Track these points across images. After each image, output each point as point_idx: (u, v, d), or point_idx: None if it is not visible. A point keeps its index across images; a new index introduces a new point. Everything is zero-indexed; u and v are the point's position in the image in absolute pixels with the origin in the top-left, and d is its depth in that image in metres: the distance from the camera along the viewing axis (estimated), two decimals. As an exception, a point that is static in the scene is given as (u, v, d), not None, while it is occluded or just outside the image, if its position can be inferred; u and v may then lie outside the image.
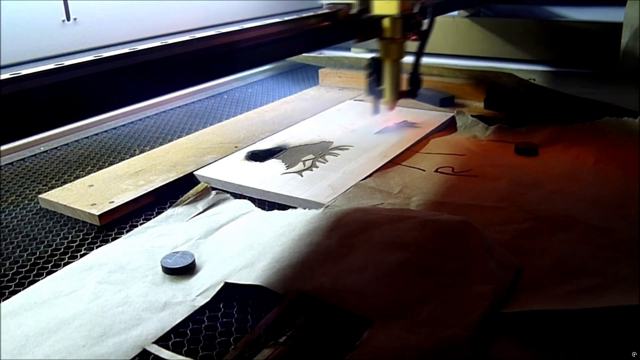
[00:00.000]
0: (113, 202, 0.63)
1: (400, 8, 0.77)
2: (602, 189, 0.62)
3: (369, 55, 0.82)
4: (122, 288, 0.48)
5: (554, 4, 1.32)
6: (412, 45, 0.82)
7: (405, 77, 0.83)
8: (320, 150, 0.76)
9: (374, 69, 0.82)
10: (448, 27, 1.32)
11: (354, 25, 0.78)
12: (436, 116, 0.88)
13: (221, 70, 0.63)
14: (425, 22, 0.79)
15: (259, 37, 0.66)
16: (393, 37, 0.79)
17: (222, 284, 0.48)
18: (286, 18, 0.70)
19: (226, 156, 0.76)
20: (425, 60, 1.20)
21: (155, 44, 0.53)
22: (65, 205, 0.63)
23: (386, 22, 0.78)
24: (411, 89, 0.83)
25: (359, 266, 0.48)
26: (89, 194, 0.65)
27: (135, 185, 0.67)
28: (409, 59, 0.82)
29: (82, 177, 0.72)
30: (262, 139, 0.82)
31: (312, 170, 0.70)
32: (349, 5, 0.78)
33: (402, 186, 0.65)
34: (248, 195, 0.66)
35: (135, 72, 0.51)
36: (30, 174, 0.76)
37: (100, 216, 0.60)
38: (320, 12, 0.76)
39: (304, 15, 0.74)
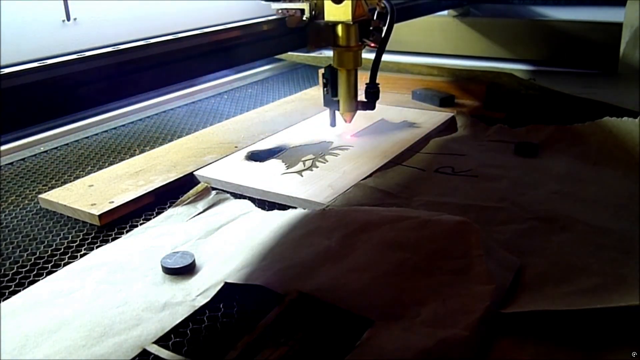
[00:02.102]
0: (113, 202, 0.63)
1: (354, 14, 0.71)
2: (602, 189, 0.62)
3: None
4: (122, 288, 0.48)
5: (554, 4, 1.32)
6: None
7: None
8: (320, 150, 0.76)
9: (329, 78, 0.77)
10: (448, 27, 1.33)
11: (305, 33, 0.74)
12: (436, 116, 0.88)
13: (156, 80, 0.61)
14: (385, 27, 0.74)
15: (201, 46, 0.63)
16: (347, 45, 0.74)
17: (222, 284, 0.48)
18: (233, 24, 0.67)
19: (226, 156, 0.76)
20: (425, 60, 1.21)
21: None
22: (65, 205, 0.63)
23: (340, 29, 0.73)
24: (368, 100, 0.78)
25: (359, 266, 0.48)
26: (89, 194, 0.65)
27: (135, 185, 0.67)
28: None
29: (82, 177, 0.72)
30: (262, 139, 0.82)
31: (312, 170, 0.70)
32: (301, 10, 0.74)
33: (402, 186, 0.65)
34: (248, 195, 0.66)
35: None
36: (30, 174, 0.76)
37: (100, 216, 0.60)
38: (270, 18, 0.72)
39: (252, 21, 0.71)
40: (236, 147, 0.79)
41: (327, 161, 0.73)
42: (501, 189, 0.63)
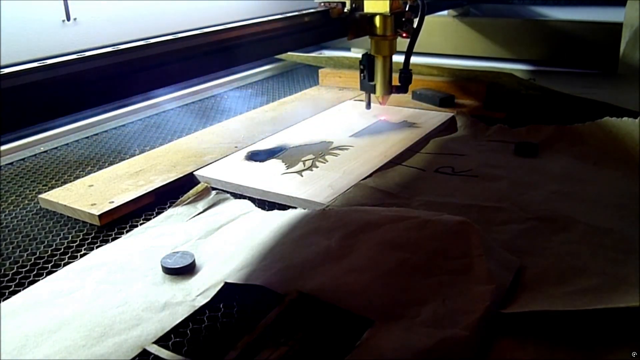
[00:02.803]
0: (113, 202, 0.63)
1: (391, 6, 0.79)
2: (602, 189, 0.62)
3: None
4: (122, 288, 0.48)
5: (554, 4, 1.32)
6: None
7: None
8: (320, 150, 0.76)
9: (366, 64, 0.85)
10: (448, 27, 1.33)
11: (346, 23, 0.82)
12: (436, 116, 0.88)
13: (218, 64, 0.65)
14: (416, 19, 0.82)
15: (254, 34, 0.68)
16: (384, 34, 0.81)
17: (222, 284, 0.48)
18: (281, 15, 0.72)
19: (226, 156, 0.76)
20: (425, 60, 1.21)
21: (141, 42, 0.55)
22: (65, 205, 0.63)
23: (378, 20, 0.81)
24: (402, 84, 0.85)
25: (359, 266, 0.48)
26: (89, 194, 0.65)
27: (135, 185, 0.67)
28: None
29: (82, 177, 0.72)
30: (262, 139, 0.82)
31: (312, 170, 0.70)
32: (342, 3, 0.81)
33: (402, 186, 0.65)
34: (248, 195, 0.66)
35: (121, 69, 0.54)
36: (30, 174, 0.76)
37: (100, 216, 0.60)
38: (314, 10, 0.79)
39: (299, 12, 0.76)
40: (236, 147, 0.79)
41: (327, 161, 0.73)
42: (501, 189, 0.63)
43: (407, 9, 0.82)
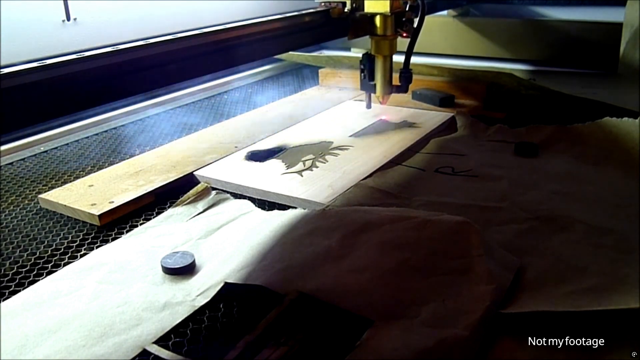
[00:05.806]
0: (113, 202, 0.63)
1: (391, 6, 0.80)
2: (602, 189, 0.62)
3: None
4: (122, 288, 0.48)
5: (554, 4, 1.32)
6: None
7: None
8: (320, 150, 0.76)
9: (366, 64, 0.86)
10: (448, 27, 1.33)
11: (347, 23, 0.82)
12: (436, 116, 0.88)
13: (218, 64, 0.66)
14: (416, 19, 0.83)
15: (254, 34, 0.68)
16: (384, 34, 0.82)
17: (222, 284, 0.48)
18: (281, 15, 0.73)
19: (226, 156, 0.76)
20: (425, 60, 1.21)
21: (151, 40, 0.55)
22: (65, 205, 0.63)
23: (378, 20, 0.82)
24: (402, 84, 0.86)
25: (359, 266, 0.48)
26: (89, 194, 0.65)
27: (135, 185, 0.67)
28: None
29: (82, 177, 0.72)
30: (262, 139, 0.82)
31: (312, 170, 0.70)
32: (343, 3, 0.82)
33: (402, 186, 0.65)
34: (248, 195, 0.66)
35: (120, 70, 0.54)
36: (30, 174, 0.76)
37: (100, 216, 0.60)
38: (314, 9, 0.79)
39: (299, 12, 0.77)
40: (236, 147, 0.79)
41: (327, 161, 0.73)
42: (501, 189, 0.63)
43: (407, 8, 0.83)
